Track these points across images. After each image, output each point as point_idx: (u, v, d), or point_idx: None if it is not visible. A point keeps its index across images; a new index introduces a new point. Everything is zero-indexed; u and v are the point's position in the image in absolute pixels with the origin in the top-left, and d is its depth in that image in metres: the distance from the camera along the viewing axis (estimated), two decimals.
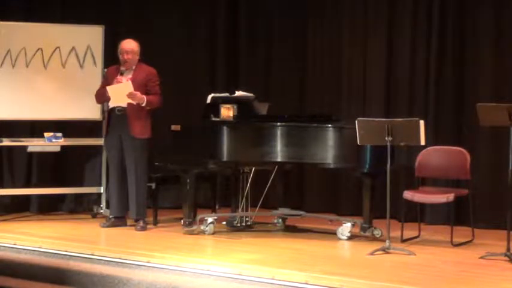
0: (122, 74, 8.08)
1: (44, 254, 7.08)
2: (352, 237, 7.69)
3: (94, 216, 8.91)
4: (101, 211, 8.95)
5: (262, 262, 6.57)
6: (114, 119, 8.13)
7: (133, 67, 8.14)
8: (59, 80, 8.84)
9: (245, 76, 9.82)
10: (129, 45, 8.13)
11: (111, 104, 8.13)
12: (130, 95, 7.94)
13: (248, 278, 6.16)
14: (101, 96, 8.19)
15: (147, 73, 8.15)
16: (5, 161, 9.23)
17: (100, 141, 8.62)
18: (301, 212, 8.24)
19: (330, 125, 7.64)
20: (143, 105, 8.00)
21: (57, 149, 8.84)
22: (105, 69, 8.52)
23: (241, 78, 9.80)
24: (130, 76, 8.10)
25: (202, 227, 7.86)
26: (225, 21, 9.88)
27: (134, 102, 7.98)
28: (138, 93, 7.96)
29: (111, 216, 8.29)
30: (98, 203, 9.06)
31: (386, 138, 6.97)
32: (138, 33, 9.07)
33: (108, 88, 8.01)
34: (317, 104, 9.35)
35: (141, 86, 8.06)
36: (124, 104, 8.03)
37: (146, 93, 8.05)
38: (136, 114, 8.04)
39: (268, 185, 8.27)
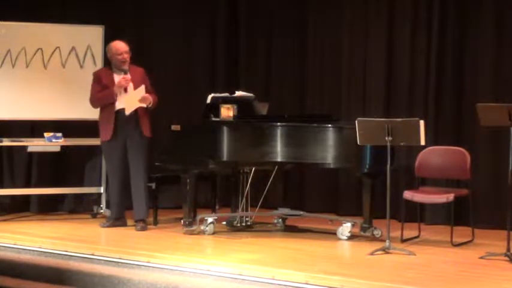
0: (125, 73, 8.06)
1: (44, 254, 7.08)
2: (352, 237, 7.69)
3: (94, 216, 8.92)
4: (101, 211, 8.95)
5: (262, 262, 6.57)
6: (121, 121, 8.06)
7: (127, 67, 8.14)
8: (59, 80, 8.84)
9: (245, 76, 9.82)
10: (126, 45, 8.12)
11: (118, 106, 8.09)
12: (143, 100, 7.95)
13: (248, 278, 6.16)
14: (102, 100, 8.07)
15: (141, 73, 8.18)
16: (5, 161, 9.22)
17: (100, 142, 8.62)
18: (301, 212, 8.23)
19: (330, 125, 7.63)
20: (149, 105, 8.01)
21: (57, 149, 8.84)
22: (94, 73, 8.36)
23: (241, 78, 9.80)
24: (129, 76, 8.09)
25: (202, 227, 7.87)
26: (225, 21, 9.88)
27: (145, 105, 7.99)
28: (148, 96, 7.98)
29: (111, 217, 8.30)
30: (98, 203, 9.05)
31: (386, 138, 6.97)
32: (138, 33, 9.10)
33: (125, 99, 7.97)
34: (317, 104, 9.36)
35: (141, 84, 8.07)
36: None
37: (146, 92, 8.07)
38: (145, 113, 8.08)
39: (268, 185, 8.28)
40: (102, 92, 8.08)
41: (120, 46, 8.11)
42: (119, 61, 8.09)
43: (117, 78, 8.10)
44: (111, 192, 8.30)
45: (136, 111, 8.04)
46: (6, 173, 9.22)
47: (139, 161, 8.08)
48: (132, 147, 8.10)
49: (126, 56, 8.09)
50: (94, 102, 8.16)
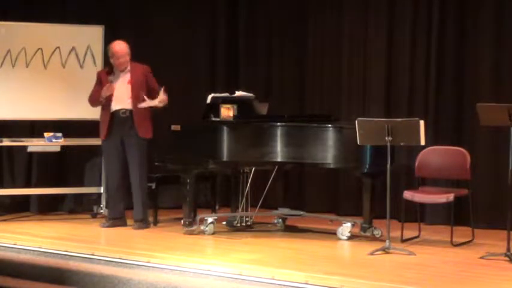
0: (111, 72, 8.13)
1: (44, 254, 7.07)
2: (352, 237, 7.69)
3: (94, 216, 8.92)
4: (101, 211, 8.95)
5: (262, 262, 6.57)
6: (117, 121, 8.10)
7: (128, 67, 8.15)
8: (59, 80, 8.85)
9: (245, 76, 9.82)
10: (124, 47, 8.14)
11: (114, 107, 8.11)
12: (162, 101, 8.03)
13: (248, 278, 6.16)
14: (93, 100, 8.17)
15: (144, 71, 8.19)
16: (5, 161, 9.23)
17: (100, 142, 8.61)
18: (301, 212, 8.23)
19: (329, 125, 7.63)
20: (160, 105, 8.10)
21: (57, 149, 8.84)
22: (97, 73, 8.39)
23: (241, 78, 9.80)
24: (128, 77, 8.12)
25: (202, 227, 7.87)
26: (225, 21, 9.88)
27: (161, 105, 8.07)
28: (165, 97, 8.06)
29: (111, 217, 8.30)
30: (98, 203, 9.05)
31: (386, 138, 6.97)
32: (138, 33, 9.09)
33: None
34: (317, 104, 9.36)
35: (142, 84, 8.12)
36: (128, 106, 8.05)
37: (148, 90, 8.10)
38: (142, 116, 8.09)
39: (268, 185, 8.27)
40: (97, 91, 8.16)
41: (119, 49, 8.13)
42: (115, 63, 8.15)
43: (115, 79, 8.12)
44: (109, 192, 8.34)
45: (131, 112, 8.06)
46: (6, 173, 9.23)
47: (135, 161, 8.10)
48: (129, 147, 8.12)
49: (124, 60, 8.12)
50: (89, 101, 8.28)
